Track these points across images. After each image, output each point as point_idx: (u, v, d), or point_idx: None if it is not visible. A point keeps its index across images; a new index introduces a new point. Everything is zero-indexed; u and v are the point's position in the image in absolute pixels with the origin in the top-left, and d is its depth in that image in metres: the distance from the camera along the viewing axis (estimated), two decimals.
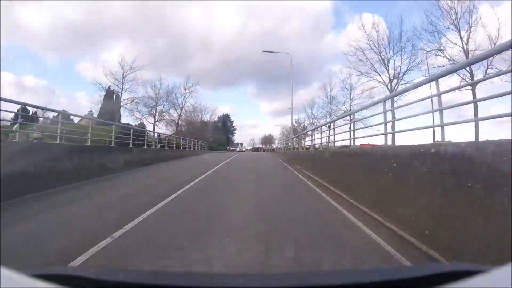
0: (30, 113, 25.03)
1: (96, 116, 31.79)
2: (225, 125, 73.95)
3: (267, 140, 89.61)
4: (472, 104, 12.19)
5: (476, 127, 11.88)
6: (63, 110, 20.20)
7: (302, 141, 21.27)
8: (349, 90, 28.63)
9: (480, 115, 10.45)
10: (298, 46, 78.58)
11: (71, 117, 19.51)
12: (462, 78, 17.19)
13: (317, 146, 11.99)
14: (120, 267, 2.37)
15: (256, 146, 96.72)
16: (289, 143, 24.47)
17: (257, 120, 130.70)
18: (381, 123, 5.41)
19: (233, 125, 79.76)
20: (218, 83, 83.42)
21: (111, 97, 33.64)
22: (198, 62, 65.58)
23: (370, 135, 8.19)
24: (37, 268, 0.91)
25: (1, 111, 6.26)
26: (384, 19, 60.23)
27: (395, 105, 7.19)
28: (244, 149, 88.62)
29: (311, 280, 0.77)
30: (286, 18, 70.72)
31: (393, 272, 0.84)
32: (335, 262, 2.51)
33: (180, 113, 40.60)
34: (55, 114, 15.55)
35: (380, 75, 24.62)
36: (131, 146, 11.93)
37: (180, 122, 42.03)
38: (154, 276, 0.87)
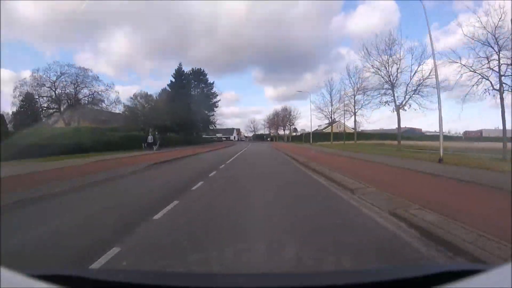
0: None
1: None
2: (186, 88, 40.59)
3: (280, 120, 57.82)
4: None
5: None
6: None
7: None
8: None
9: None
10: (305, 29, 77.95)
11: None
12: None
13: None
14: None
15: (260, 133, 71.97)
16: None
17: (261, 106, 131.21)
18: None
19: (212, 90, 45.43)
20: (222, 70, 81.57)
21: None
22: (202, 47, 64.35)
23: None
24: (37, 268, 0.94)
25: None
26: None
27: None
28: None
29: (311, 280, 0.79)
30: (293, 1, 69.04)
31: (393, 272, 0.86)
32: None
33: None
34: None
35: None
36: None
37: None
38: (154, 276, 0.90)
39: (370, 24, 65.90)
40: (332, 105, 34.26)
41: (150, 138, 21.71)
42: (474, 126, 63.30)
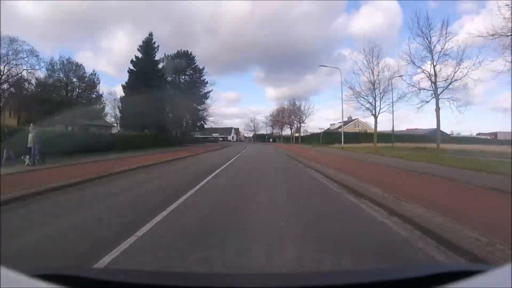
0: None
1: None
2: (153, 67, 28.56)
3: (287, 117, 47.72)
4: None
5: None
6: None
7: None
8: None
9: None
10: (307, 30, 78.05)
11: None
12: None
13: None
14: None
15: (260, 133, 68.00)
16: None
17: (261, 107, 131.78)
18: None
19: (202, 76, 35.87)
20: (223, 69, 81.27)
21: None
22: (203, 47, 64.22)
23: None
24: (37, 268, 0.94)
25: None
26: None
27: None
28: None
29: (311, 280, 0.80)
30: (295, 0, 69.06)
31: (393, 272, 0.87)
32: None
33: None
34: None
35: None
36: None
37: None
38: (154, 276, 0.90)
39: (373, 25, 65.98)
40: (376, 88, 19.69)
41: (30, 140, 9.91)
42: (474, 129, 61.25)
